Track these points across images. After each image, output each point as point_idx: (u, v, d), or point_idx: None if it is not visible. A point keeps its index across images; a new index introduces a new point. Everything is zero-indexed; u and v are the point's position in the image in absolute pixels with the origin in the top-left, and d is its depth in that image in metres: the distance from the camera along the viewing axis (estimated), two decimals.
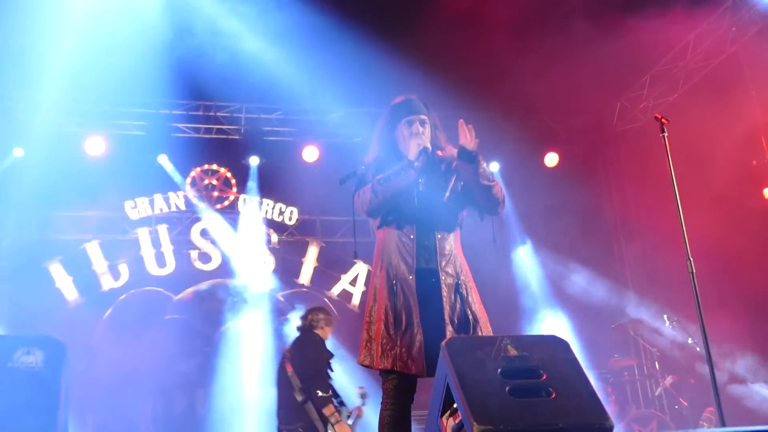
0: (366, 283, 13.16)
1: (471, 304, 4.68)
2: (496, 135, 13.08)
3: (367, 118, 12.91)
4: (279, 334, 11.50)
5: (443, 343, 4.11)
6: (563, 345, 4.22)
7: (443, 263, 4.71)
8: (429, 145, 4.77)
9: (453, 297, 4.65)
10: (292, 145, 12.95)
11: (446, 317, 4.57)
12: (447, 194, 4.81)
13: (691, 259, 5.40)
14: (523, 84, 11.12)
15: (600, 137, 13.65)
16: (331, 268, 13.25)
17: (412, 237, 4.71)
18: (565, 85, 11.23)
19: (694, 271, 5.36)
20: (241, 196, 12.93)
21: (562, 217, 12.74)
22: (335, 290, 13.17)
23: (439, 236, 4.76)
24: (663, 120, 5.78)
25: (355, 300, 13.13)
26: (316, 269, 13.19)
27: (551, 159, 13.39)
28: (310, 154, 12.75)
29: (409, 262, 4.68)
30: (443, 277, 4.67)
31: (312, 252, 13.20)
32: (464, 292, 4.69)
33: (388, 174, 4.65)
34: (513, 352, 4.08)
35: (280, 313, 12.37)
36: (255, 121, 12.76)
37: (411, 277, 4.64)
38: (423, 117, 4.89)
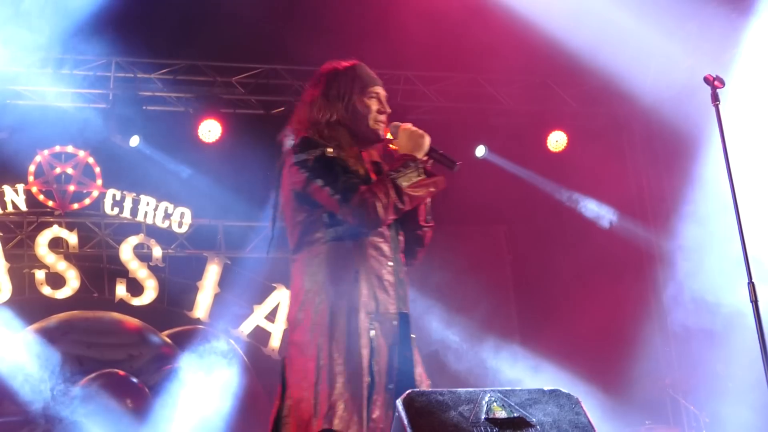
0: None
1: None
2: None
3: (295, 80, 12.95)
4: (161, 391, 11.42)
5: (400, 400, 4.11)
6: (572, 402, 4.25)
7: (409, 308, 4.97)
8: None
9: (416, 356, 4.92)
10: (184, 118, 12.91)
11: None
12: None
13: (754, 282, 5.45)
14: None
15: (625, 109, 13.78)
16: (239, 295, 13.24)
17: (391, 264, 4.92)
18: None
19: (758, 298, 5.42)
20: (109, 192, 12.82)
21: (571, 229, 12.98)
22: (245, 327, 13.16)
23: (406, 270, 5.01)
24: (716, 83, 5.83)
25: (275, 341, 13.08)
26: (217, 297, 13.17)
27: (557, 140, 13.51)
28: (210, 130, 12.69)
29: (391, 295, 4.89)
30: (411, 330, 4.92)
31: (212, 272, 13.19)
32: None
33: (405, 174, 4.84)
34: (501, 412, 4.09)
35: (163, 362, 12.27)
36: (131, 84, 12.67)
37: (395, 323, 4.87)
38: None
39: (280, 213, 5.06)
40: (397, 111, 12.93)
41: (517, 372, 12.58)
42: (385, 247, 4.90)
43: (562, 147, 13.55)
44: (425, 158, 4.93)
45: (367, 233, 4.86)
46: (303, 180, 4.81)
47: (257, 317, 13.22)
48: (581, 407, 4.23)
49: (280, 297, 13.19)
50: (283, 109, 13.19)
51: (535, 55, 12.36)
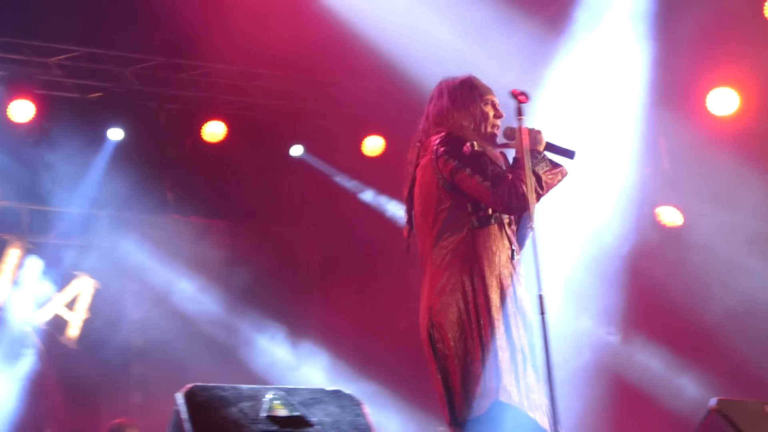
0: (92, 307, 12.93)
1: None
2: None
3: (114, 65, 12.75)
4: None
5: (180, 393, 4.06)
6: (354, 404, 4.26)
7: None
8: None
9: None
10: None
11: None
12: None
13: (543, 294, 5.52)
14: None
15: None
16: (40, 281, 12.89)
17: (518, 257, 5.48)
18: None
19: (546, 310, 5.49)
20: None
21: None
22: (44, 314, 12.87)
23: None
24: (521, 97, 5.85)
25: (73, 331, 12.85)
26: (16, 283, 12.81)
27: (373, 144, 13.68)
28: (22, 110, 12.35)
29: (522, 283, 5.46)
30: None
31: (12, 256, 12.87)
32: None
33: (538, 164, 5.35)
34: (282, 410, 4.08)
35: None
36: None
37: (530, 308, 5.42)
38: None
39: (412, 205, 5.61)
40: (217, 105, 12.99)
41: (317, 372, 12.62)
42: (514, 240, 5.47)
43: (379, 152, 13.68)
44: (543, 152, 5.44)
45: (501, 225, 5.40)
46: (452, 169, 5.31)
47: (56, 305, 12.96)
48: (362, 409, 4.26)
49: (83, 286, 12.99)
50: (100, 94, 12.96)
51: (359, 59, 12.41)
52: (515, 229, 5.55)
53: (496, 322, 5.23)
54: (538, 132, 5.47)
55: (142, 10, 11.37)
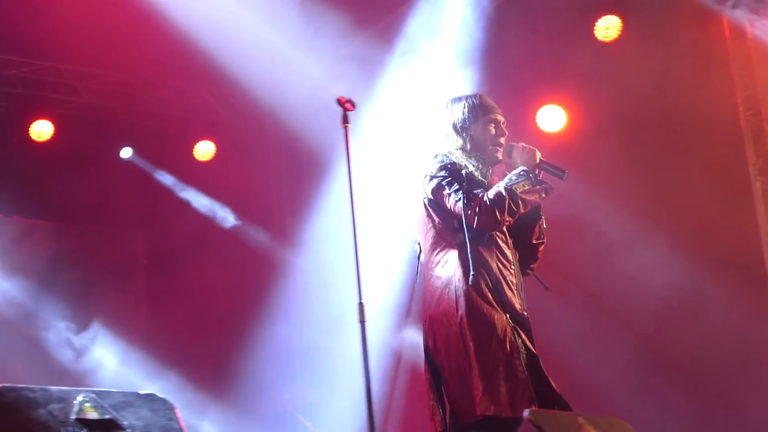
0: None
1: None
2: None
3: None
4: None
5: None
6: (166, 408, 4.23)
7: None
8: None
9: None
10: None
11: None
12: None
13: (364, 302, 5.56)
14: None
15: (274, 126, 13.97)
16: None
17: (513, 268, 5.71)
18: None
19: (365, 318, 5.52)
20: None
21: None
22: None
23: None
24: (347, 105, 5.90)
25: None
26: None
27: (204, 149, 13.72)
28: None
29: (516, 294, 5.64)
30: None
31: None
32: None
33: (519, 182, 5.58)
34: (92, 413, 4.03)
35: None
36: None
37: (526, 316, 5.61)
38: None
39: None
40: (44, 105, 12.71)
41: (140, 377, 12.49)
42: (509, 253, 5.70)
43: (210, 156, 13.64)
44: (536, 170, 5.68)
45: (491, 237, 5.62)
46: (433, 188, 5.64)
47: None
48: (175, 413, 4.23)
49: None
50: None
51: (192, 64, 12.34)
52: (511, 242, 5.77)
53: (488, 329, 5.41)
54: (533, 150, 5.73)
55: None
